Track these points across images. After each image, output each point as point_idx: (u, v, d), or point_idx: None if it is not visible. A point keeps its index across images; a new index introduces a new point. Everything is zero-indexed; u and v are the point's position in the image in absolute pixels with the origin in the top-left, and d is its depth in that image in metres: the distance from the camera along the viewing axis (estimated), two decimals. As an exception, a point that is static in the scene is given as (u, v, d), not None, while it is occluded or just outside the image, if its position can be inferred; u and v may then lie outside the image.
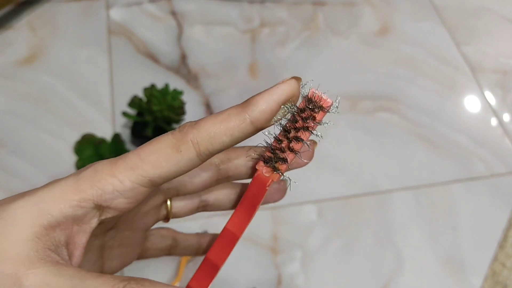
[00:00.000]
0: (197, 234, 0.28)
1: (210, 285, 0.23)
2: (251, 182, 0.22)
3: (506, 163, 0.64)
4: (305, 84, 0.20)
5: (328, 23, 0.78)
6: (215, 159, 0.24)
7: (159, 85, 0.63)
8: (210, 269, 0.23)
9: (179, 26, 0.77)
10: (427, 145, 0.66)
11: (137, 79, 0.69)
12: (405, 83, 0.72)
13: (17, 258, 0.17)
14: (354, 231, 0.58)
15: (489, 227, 0.59)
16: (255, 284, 0.54)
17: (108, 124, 0.65)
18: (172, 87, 0.61)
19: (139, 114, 0.61)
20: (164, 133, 0.20)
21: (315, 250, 0.56)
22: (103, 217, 0.19)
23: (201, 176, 0.24)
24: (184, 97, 0.63)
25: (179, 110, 0.60)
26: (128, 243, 0.25)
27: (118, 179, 0.19)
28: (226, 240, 0.23)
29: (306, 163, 0.24)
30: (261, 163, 0.22)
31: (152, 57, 0.73)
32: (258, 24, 0.78)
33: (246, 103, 0.20)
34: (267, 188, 0.22)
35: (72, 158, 0.62)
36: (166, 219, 0.26)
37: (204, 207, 0.26)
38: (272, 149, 0.22)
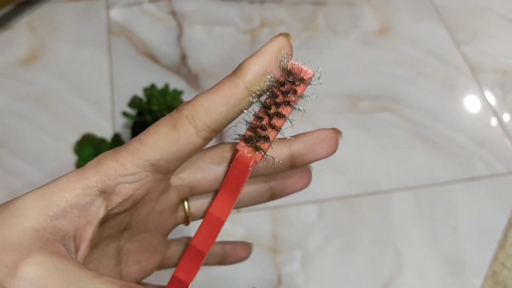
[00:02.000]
0: (221, 242, 0.27)
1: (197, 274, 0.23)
2: (232, 163, 0.21)
3: (506, 163, 0.64)
4: (285, 57, 0.19)
5: (328, 23, 0.78)
6: (229, 153, 0.23)
7: (159, 85, 0.63)
8: (195, 257, 0.22)
9: (179, 26, 0.77)
10: (427, 145, 0.66)
11: (137, 79, 0.69)
12: (405, 83, 0.72)
13: (17, 247, 0.17)
14: (354, 231, 0.58)
15: (489, 227, 0.59)
16: (255, 284, 0.54)
17: (108, 124, 0.65)
18: (172, 87, 0.61)
19: (139, 114, 0.61)
20: None
21: (315, 250, 0.56)
22: (109, 207, 0.19)
23: (214, 171, 0.23)
24: (184, 97, 0.63)
25: (179, 110, 0.60)
26: (146, 247, 0.24)
27: (120, 163, 0.19)
28: (211, 225, 0.22)
29: (329, 155, 0.23)
30: (242, 143, 0.21)
31: (152, 57, 0.73)
32: (258, 24, 0.78)
33: (237, 70, 0.19)
34: (250, 169, 0.21)
35: (72, 158, 0.62)
36: (186, 221, 0.25)
37: None
38: (252, 127, 0.20)
